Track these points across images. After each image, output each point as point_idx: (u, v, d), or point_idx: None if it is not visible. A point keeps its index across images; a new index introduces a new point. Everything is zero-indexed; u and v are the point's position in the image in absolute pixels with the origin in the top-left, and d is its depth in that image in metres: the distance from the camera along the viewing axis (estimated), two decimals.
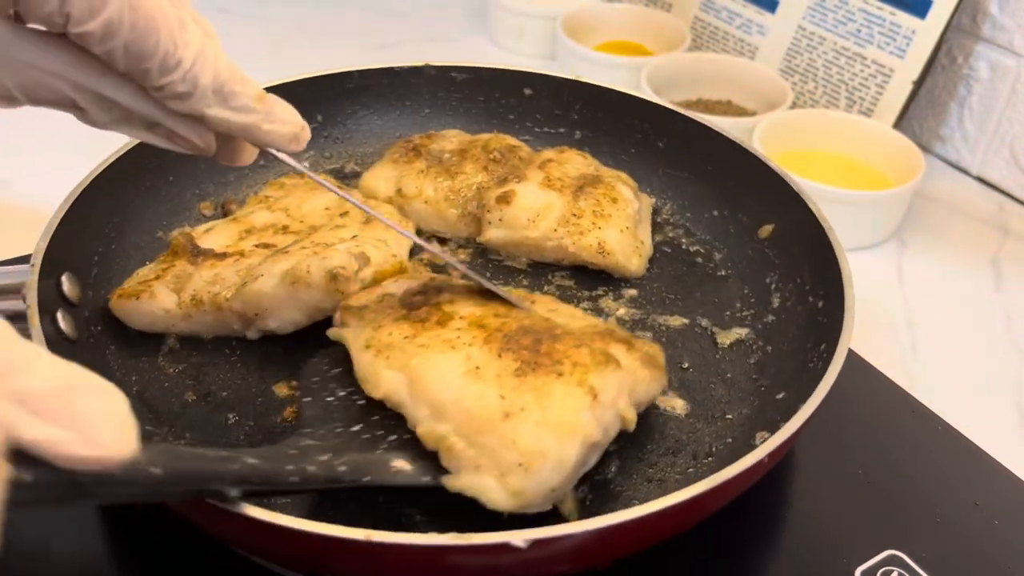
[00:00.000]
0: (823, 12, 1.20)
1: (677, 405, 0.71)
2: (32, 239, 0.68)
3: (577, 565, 0.57)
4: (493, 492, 0.55)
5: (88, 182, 0.74)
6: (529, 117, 0.99)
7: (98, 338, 0.71)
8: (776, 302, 0.80)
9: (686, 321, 0.79)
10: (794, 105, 1.17)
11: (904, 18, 1.12)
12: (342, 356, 0.67)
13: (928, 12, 1.10)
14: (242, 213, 0.83)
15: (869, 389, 0.80)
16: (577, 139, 0.98)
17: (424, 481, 0.57)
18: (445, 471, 0.57)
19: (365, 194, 0.86)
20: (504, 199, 0.82)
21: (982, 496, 0.70)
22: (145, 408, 0.67)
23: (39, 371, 0.35)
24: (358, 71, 0.96)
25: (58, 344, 0.64)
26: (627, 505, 0.59)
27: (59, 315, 0.66)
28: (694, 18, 1.35)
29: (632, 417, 0.61)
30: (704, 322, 0.80)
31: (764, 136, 1.04)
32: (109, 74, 0.54)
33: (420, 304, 0.66)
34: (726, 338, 0.78)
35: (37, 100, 0.55)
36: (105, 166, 0.77)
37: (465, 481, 0.56)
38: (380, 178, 0.88)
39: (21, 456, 0.34)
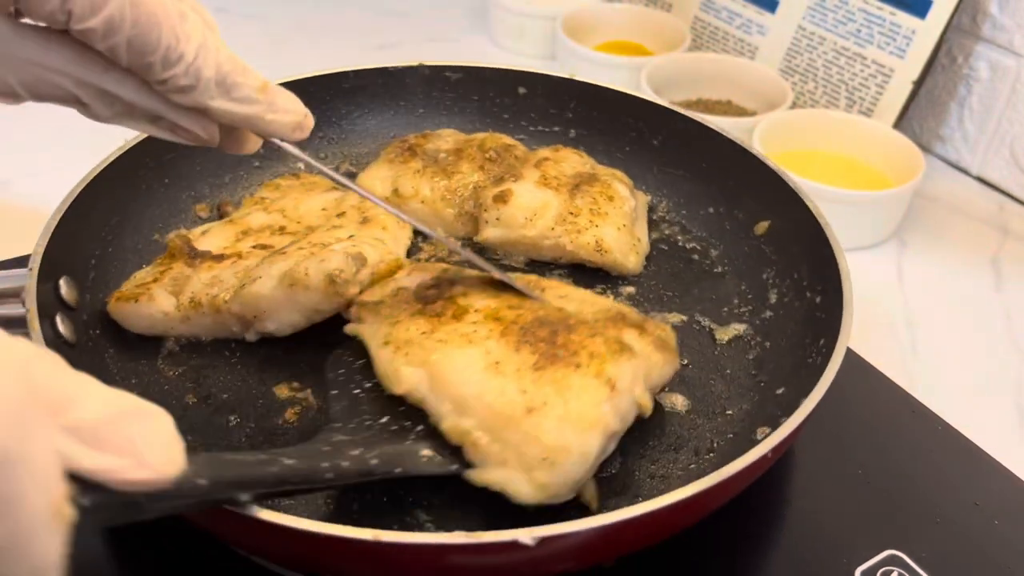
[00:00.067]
0: (823, 12, 1.20)
1: (678, 401, 0.71)
2: (32, 239, 0.68)
3: (582, 563, 0.57)
4: (519, 486, 0.56)
5: (84, 185, 0.74)
6: (524, 116, 0.99)
7: (97, 341, 0.71)
8: (773, 298, 0.80)
9: (684, 318, 0.80)
10: (794, 105, 1.17)
11: (904, 18, 1.12)
12: (366, 348, 0.67)
13: (928, 12, 1.10)
14: (238, 215, 0.83)
15: (869, 389, 0.80)
16: (572, 138, 0.98)
17: (452, 470, 0.58)
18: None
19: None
20: (501, 198, 0.82)
21: (982, 496, 0.70)
22: None
23: (90, 401, 0.36)
24: (353, 71, 0.96)
25: (58, 348, 0.64)
26: (632, 502, 0.59)
27: (58, 319, 0.66)
28: (694, 18, 1.35)
29: (648, 403, 0.62)
30: (702, 319, 0.80)
31: (764, 136, 1.04)
32: (112, 69, 0.54)
33: (435, 298, 0.66)
34: (724, 334, 0.78)
35: (40, 96, 0.55)
36: (101, 168, 0.77)
37: (491, 476, 0.57)
38: (376, 178, 0.88)
39: (78, 483, 0.35)
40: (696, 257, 0.87)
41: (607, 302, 0.69)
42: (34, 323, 0.62)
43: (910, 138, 1.08)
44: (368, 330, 0.67)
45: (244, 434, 0.67)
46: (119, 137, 0.79)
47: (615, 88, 0.96)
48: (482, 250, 0.85)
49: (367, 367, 0.66)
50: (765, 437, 0.57)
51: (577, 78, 0.97)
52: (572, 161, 0.88)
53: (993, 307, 0.96)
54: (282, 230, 0.79)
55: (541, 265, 0.84)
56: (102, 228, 0.78)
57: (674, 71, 1.21)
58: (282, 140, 0.61)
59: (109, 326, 0.72)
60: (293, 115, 0.60)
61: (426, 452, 0.59)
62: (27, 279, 0.65)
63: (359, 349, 0.67)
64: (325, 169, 0.65)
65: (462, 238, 0.87)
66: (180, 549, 0.62)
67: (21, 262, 0.69)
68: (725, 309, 0.81)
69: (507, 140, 0.91)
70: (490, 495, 0.61)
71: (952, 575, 0.64)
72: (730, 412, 0.71)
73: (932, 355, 0.89)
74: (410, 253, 0.83)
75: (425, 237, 0.86)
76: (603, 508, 0.61)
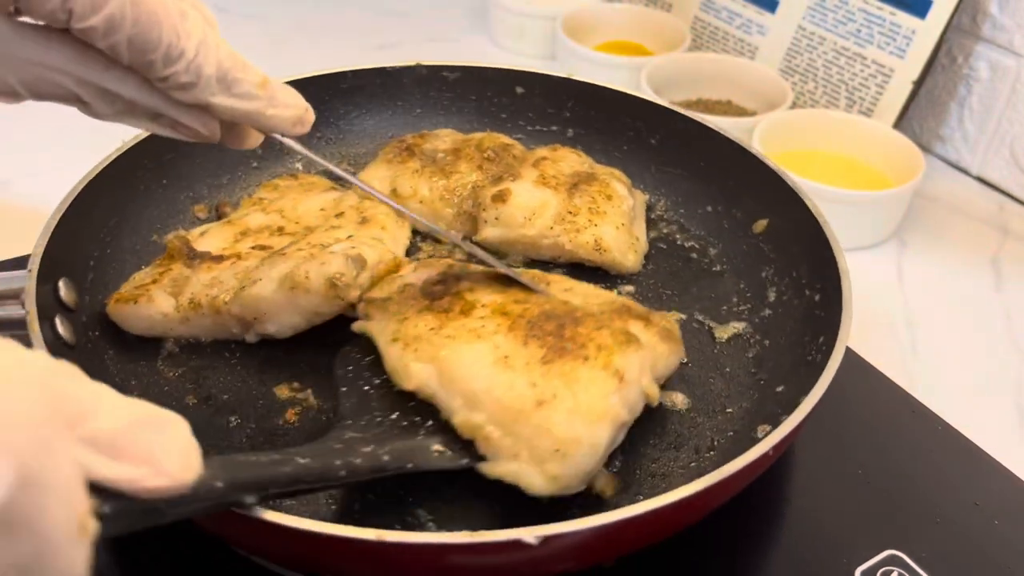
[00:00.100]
0: (823, 12, 1.20)
1: (677, 400, 0.71)
2: (32, 239, 0.68)
3: (584, 562, 0.57)
4: (532, 478, 0.57)
5: (83, 186, 0.74)
6: (521, 116, 0.99)
7: (96, 343, 0.71)
8: (772, 296, 0.80)
9: (683, 316, 0.80)
10: (794, 105, 1.17)
11: (904, 18, 1.12)
12: (374, 344, 0.67)
13: (928, 12, 1.10)
14: (236, 215, 0.83)
15: (869, 389, 0.80)
16: (569, 137, 0.98)
17: (463, 464, 0.59)
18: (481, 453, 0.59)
19: (360, 195, 0.85)
20: (500, 198, 0.82)
21: (982, 496, 0.70)
22: None
23: (107, 411, 0.36)
24: (351, 71, 0.96)
25: (57, 350, 0.64)
26: (632, 500, 0.59)
27: (57, 320, 0.66)
28: (694, 18, 1.35)
29: (655, 393, 0.63)
30: (701, 317, 0.80)
31: (764, 136, 1.04)
32: (113, 68, 0.54)
33: (441, 293, 0.67)
34: (724, 333, 0.78)
35: (40, 95, 0.55)
36: (99, 169, 0.77)
37: (504, 468, 0.58)
38: (375, 179, 0.88)
39: (98, 492, 0.35)
40: (694, 256, 0.87)
41: (611, 295, 0.70)
42: (34, 325, 0.62)
43: (910, 138, 1.08)
44: (376, 327, 0.67)
45: (245, 435, 0.67)
46: (119, 137, 0.79)
47: (613, 87, 0.96)
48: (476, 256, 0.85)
49: (375, 363, 0.66)
50: (766, 435, 0.57)
51: (575, 77, 0.97)
52: (570, 160, 0.88)
53: (993, 307, 0.96)
54: (281, 231, 0.79)
55: (540, 264, 0.84)
56: (101, 229, 0.78)
57: (674, 71, 1.21)
58: (283, 135, 0.61)
59: (108, 328, 0.72)
60: (294, 110, 0.60)
61: (437, 447, 0.59)
62: (26, 281, 0.65)
63: (367, 346, 0.68)
64: (325, 162, 0.65)
65: (461, 237, 0.87)
66: (179, 549, 0.62)
67: (21, 262, 0.69)
68: (724, 307, 0.81)
69: (505, 140, 0.91)
70: (491, 494, 0.62)
71: (952, 575, 0.64)
72: (730, 410, 0.71)
73: (932, 355, 0.89)
74: (409, 253, 0.83)
75: (424, 237, 0.86)
76: (605, 508, 0.61)
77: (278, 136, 0.61)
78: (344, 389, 0.65)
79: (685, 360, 0.75)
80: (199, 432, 0.52)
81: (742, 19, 1.29)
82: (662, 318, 0.68)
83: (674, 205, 0.93)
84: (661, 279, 0.84)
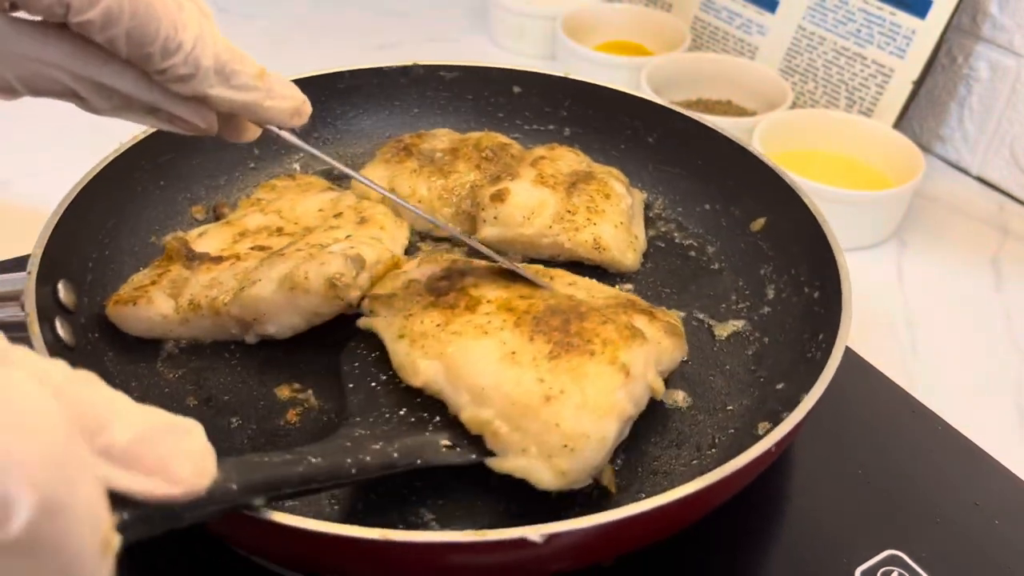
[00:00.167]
0: (823, 12, 1.20)
1: (678, 398, 0.72)
2: (32, 239, 0.68)
3: (586, 560, 0.58)
4: (541, 473, 0.57)
5: (81, 187, 0.74)
6: (518, 115, 0.99)
7: (96, 345, 0.71)
8: (771, 294, 0.80)
9: (682, 314, 0.80)
10: (794, 105, 1.17)
11: (904, 18, 1.12)
12: (379, 340, 0.67)
13: (928, 12, 1.10)
14: (235, 216, 0.83)
15: (869, 389, 0.80)
16: (567, 136, 0.98)
17: (472, 459, 0.59)
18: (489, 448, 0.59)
19: (358, 195, 0.85)
20: (499, 197, 0.82)
21: (982, 496, 0.70)
22: None
23: (122, 422, 0.36)
24: (349, 71, 0.96)
25: (58, 352, 0.64)
26: (635, 498, 0.59)
27: (57, 322, 0.66)
28: (694, 18, 1.35)
29: (660, 387, 0.63)
30: (701, 315, 0.80)
31: (764, 136, 1.04)
32: (110, 62, 0.54)
33: (446, 289, 0.67)
34: (723, 330, 0.78)
35: (37, 91, 0.55)
36: (97, 171, 0.76)
37: (513, 464, 0.58)
38: (372, 178, 0.88)
39: (114, 499, 0.35)
40: (693, 254, 0.87)
41: (615, 290, 0.71)
42: (34, 327, 0.62)
43: (910, 138, 1.08)
44: (382, 323, 0.67)
45: (246, 436, 0.67)
46: (119, 137, 0.80)
47: (610, 86, 0.96)
48: (478, 252, 0.85)
49: (381, 360, 0.66)
50: (767, 432, 0.58)
51: (572, 77, 0.97)
52: (568, 159, 0.88)
53: (993, 307, 0.96)
54: (279, 231, 0.79)
55: (539, 263, 0.84)
56: (99, 231, 0.78)
57: (674, 71, 1.21)
58: (280, 127, 0.61)
59: (108, 329, 0.72)
60: (291, 101, 0.60)
61: (445, 443, 0.59)
62: (25, 282, 0.65)
63: (372, 342, 0.68)
64: (324, 155, 0.65)
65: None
66: (179, 549, 0.62)
67: (21, 262, 0.69)
68: (723, 305, 0.81)
69: (503, 139, 0.91)
70: (494, 492, 0.62)
71: (952, 575, 0.64)
72: (731, 408, 0.71)
73: (932, 355, 0.89)
74: (408, 252, 0.83)
75: (424, 236, 0.86)
76: (606, 506, 0.61)
77: (275, 129, 0.61)
78: (351, 386, 0.65)
79: (685, 358, 0.75)
80: None
81: (742, 19, 1.29)
82: (666, 314, 0.69)
83: (672, 203, 0.93)
84: (660, 277, 0.84)
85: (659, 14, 1.36)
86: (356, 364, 0.67)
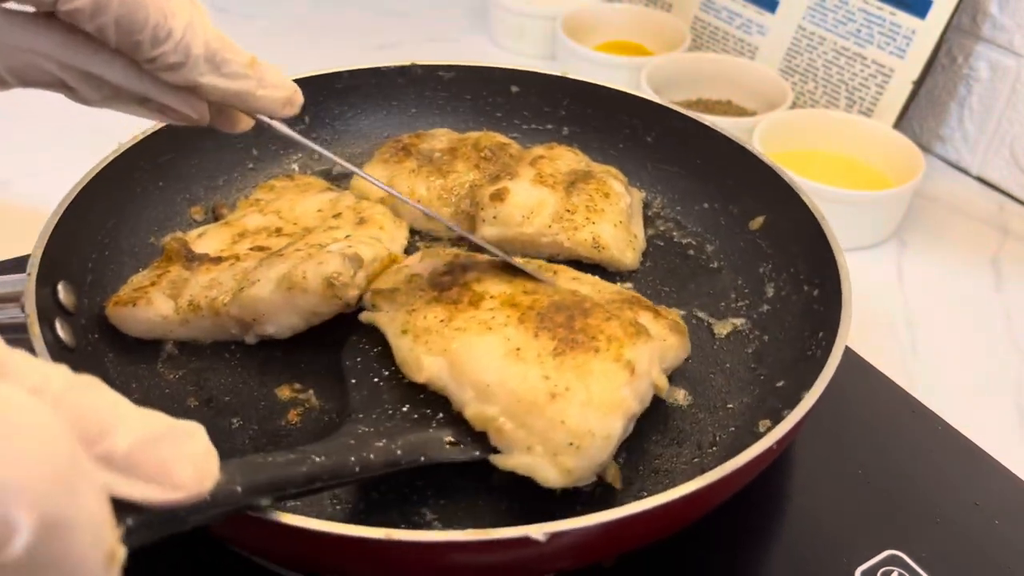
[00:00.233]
0: (823, 12, 1.20)
1: (679, 396, 0.72)
2: (32, 239, 0.68)
3: (588, 559, 0.58)
4: (546, 471, 0.57)
5: (80, 188, 0.74)
6: (517, 114, 0.99)
7: (96, 346, 0.71)
8: (771, 292, 0.80)
9: (682, 313, 0.80)
10: (794, 105, 1.17)
11: (904, 18, 1.12)
12: (381, 335, 0.67)
13: (928, 12, 1.10)
14: (234, 217, 0.83)
15: (869, 389, 0.80)
16: (565, 135, 0.98)
17: (476, 456, 0.59)
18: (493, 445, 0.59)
19: (357, 195, 0.85)
20: (498, 196, 0.83)
21: (982, 496, 0.70)
22: None
23: (123, 428, 0.35)
24: (347, 71, 0.96)
25: (58, 353, 0.64)
26: (637, 497, 0.59)
27: (57, 323, 0.66)
28: (694, 18, 1.35)
29: (664, 384, 0.63)
30: (700, 313, 0.80)
31: (764, 136, 1.04)
32: (100, 51, 0.54)
33: (449, 284, 0.67)
34: (723, 328, 0.78)
35: (26, 82, 0.55)
36: (96, 172, 0.76)
37: (517, 461, 0.58)
38: None
39: (117, 505, 0.35)
40: (692, 252, 0.87)
41: (618, 286, 0.71)
42: (34, 328, 0.62)
43: (910, 138, 1.08)
44: (384, 318, 0.67)
45: (247, 436, 0.67)
46: (119, 137, 0.80)
47: (608, 86, 0.96)
48: (480, 249, 0.85)
49: (383, 355, 0.66)
50: (767, 430, 0.58)
51: (570, 76, 0.97)
52: (567, 159, 0.88)
53: (993, 307, 0.96)
54: (279, 231, 0.79)
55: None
56: (98, 231, 0.77)
57: (674, 71, 1.21)
58: (272, 117, 0.60)
59: (107, 330, 0.72)
60: (282, 90, 0.60)
61: (449, 439, 0.59)
62: (25, 284, 0.64)
63: (374, 337, 0.67)
64: (324, 150, 0.65)
65: (459, 237, 0.87)
66: (178, 549, 0.61)
67: (21, 262, 0.69)
68: (722, 304, 0.81)
69: (501, 139, 0.91)
70: (495, 491, 0.62)
71: (952, 575, 0.64)
72: (731, 406, 0.71)
73: (932, 355, 0.89)
74: (407, 252, 0.83)
75: (423, 236, 0.86)
76: (608, 504, 0.61)
77: (267, 120, 0.60)
78: (354, 381, 0.65)
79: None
80: None
81: (742, 19, 1.29)
82: (669, 312, 0.69)
83: (671, 202, 0.93)
84: (659, 276, 0.84)
85: (659, 14, 1.36)
86: (358, 359, 0.67)
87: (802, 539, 0.67)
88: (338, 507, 0.62)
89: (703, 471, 0.54)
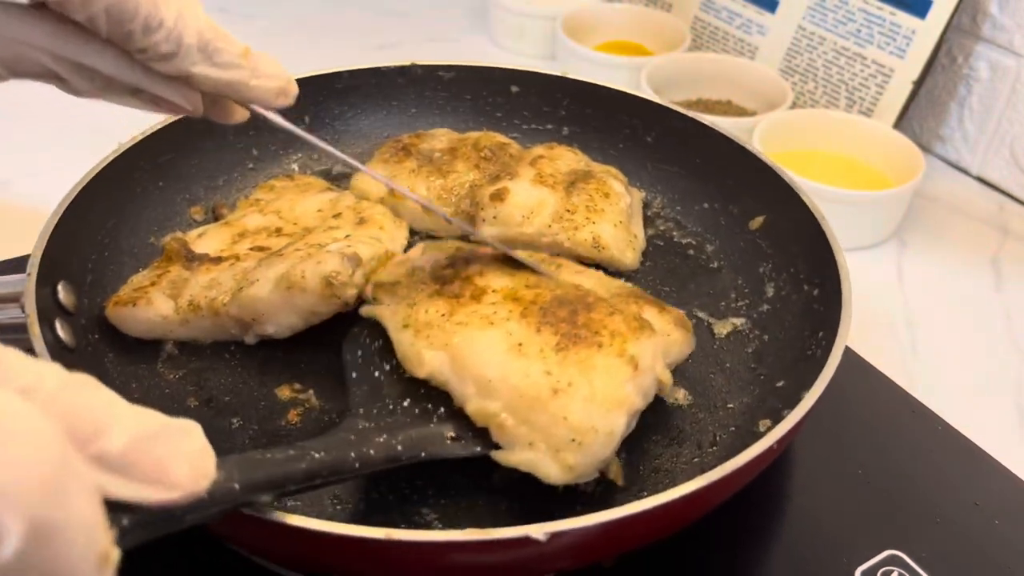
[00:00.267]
0: (823, 12, 1.20)
1: (679, 396, 0.72)
2: (32, 239, 0.68)
3: (588, 558, 0.58)
4: (548, 467, 0.57)
5: (81, 188, 0.74)
6: (517, 114, 0.99)
7: (96, 346, 0.71)
8: (771, 292, 0.80)
9: (682, 312, 0.80)
10: (794, 105, 1.17)
11: (904, 18, 1.12)
12: (382, 329, 0.66)
13: (928, 12, 1.10)
14: (234, 217, 0.83)
15: (869, 389, 0.80)
16: (565, 135, 0.98)
17: (477, 451, 0.59)
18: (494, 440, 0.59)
19: (357, 195, 0.85)
20: (498, 196, 0.83)
21: (982, 496, 0.70)
22: None
23: (117, 427, 0.35)
24: (346, 71, 0.96)
25: (58, 353, 0.64)
26: (637, 496, 0.59)
27: (57, 323, 0.66)
28: (694, 18, 1.35)
29: (668, 379, 0.63)
30: (700, 313, 0.80)
31: (764, 136, 1.04)
32: (91, 41, 0.53)
33: (451, 278, 0.66)
34: (723, 328, 0.78)
35: (18, 74, 0.55)
36: (96, 171, 0.76)
37: (519, 457, 0.57)
38: (371, 179, 0.88)
39: (112, 506, 0.35)
40: (692, 252, 0.87)
41: (621, 281, 0.70)
42: (34, 328, 0.62)
43: (910, 138, 1.08)
44: (385, 312, 0.66)
45: (248, 436, 0.67)
46: (119, 137, 0.80)
47: (608, 86, 0.96)
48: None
49: (384, 349, 0.65)
50: (768, 430, 0.57)
51: (570, 76, 0.97)
52: (567, 159, 0.88)
53: (993, 307, 0.96)
54: (278, 231, 0.79)
55: None
56: (98, 231, 0.77)
57: (674, 71, 1.21)
58: (266, 107, 0.60)
59: (107, 330, 0.72)
60: (277, 80, 0.59)
61: (450, 434, 0.59)
62: (25, 284, 0.64)
63: (374, 330, 0.67)
64: (320, 141, 0.64)
65: (459, 237, 0.87)
66: (177, 548, 0.61)
67: (21, 262, 0.69)
68: (722, 303, 0.81)
69: (501, 139, 0.91)
70: (495, 491, 0.62)
71: (952, 575, 0.64)
72: (731, 405, 0.71)
73: (932, 355, 0.89)
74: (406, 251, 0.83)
75: (423, 236, 0.86)
76: (608, 504, 0.61)
77: (261, 111, 0.60)
78: (354, 375, 0.64)
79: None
80: None
81: (742, 19, 1.29)
82: (673, 309, 0.69)
83: (671, 202, 0.93)
84: (659, 276, 0.84)
85: (659, 14, 1.36)
86: (359, 353, 0.66)
87: (802, 539, 0.67)
88: (338, 507, 0.62)
89: (703, 471, 0.54)
